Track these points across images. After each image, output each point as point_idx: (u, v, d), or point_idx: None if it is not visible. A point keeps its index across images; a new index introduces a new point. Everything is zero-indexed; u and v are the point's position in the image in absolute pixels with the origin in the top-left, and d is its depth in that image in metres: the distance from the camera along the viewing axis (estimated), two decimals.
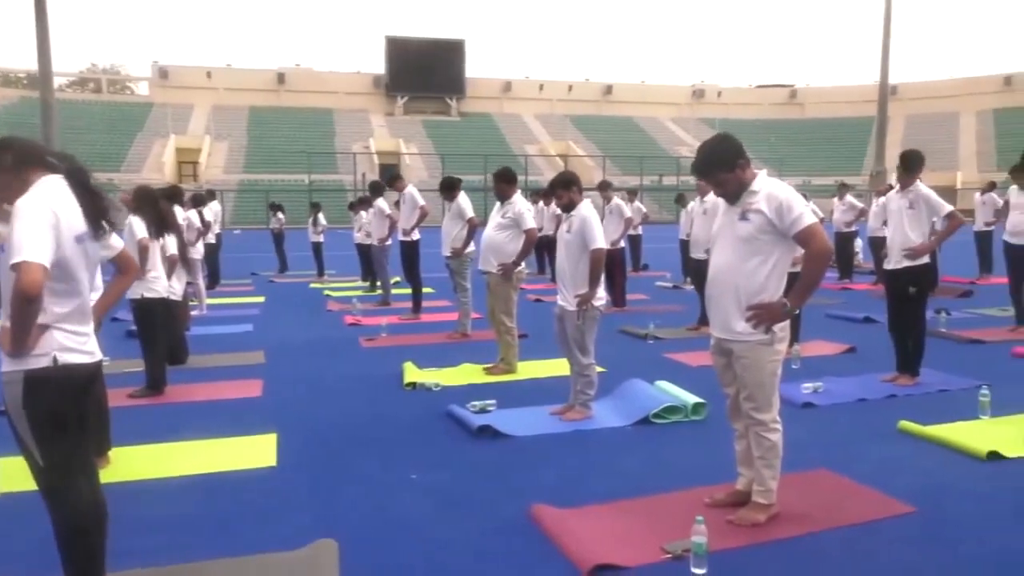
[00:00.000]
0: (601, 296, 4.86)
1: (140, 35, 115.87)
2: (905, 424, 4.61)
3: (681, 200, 13.60)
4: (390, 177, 9.65)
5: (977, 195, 13.23)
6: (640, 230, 13.94)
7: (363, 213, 12.40)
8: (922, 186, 5.65)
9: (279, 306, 10.79)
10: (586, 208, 4.89)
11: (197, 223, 9.84)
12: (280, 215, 15.69)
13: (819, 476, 3.85)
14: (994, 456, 3.92)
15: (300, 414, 5.20)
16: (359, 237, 12.60)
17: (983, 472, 3.86)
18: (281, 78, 54.04)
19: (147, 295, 5.55)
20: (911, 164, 5.73)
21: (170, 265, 6.25)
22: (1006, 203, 9.59)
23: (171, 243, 6.34)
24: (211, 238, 11.85)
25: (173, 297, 6.39)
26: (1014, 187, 8.50)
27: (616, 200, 10.19)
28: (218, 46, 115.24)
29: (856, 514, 3.38)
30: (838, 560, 3.00)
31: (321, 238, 14.36)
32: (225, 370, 6.56)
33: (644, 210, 14.42)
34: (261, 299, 11.51)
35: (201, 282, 10.12)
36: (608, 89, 59.49)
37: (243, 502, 3.69)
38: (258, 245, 21.18)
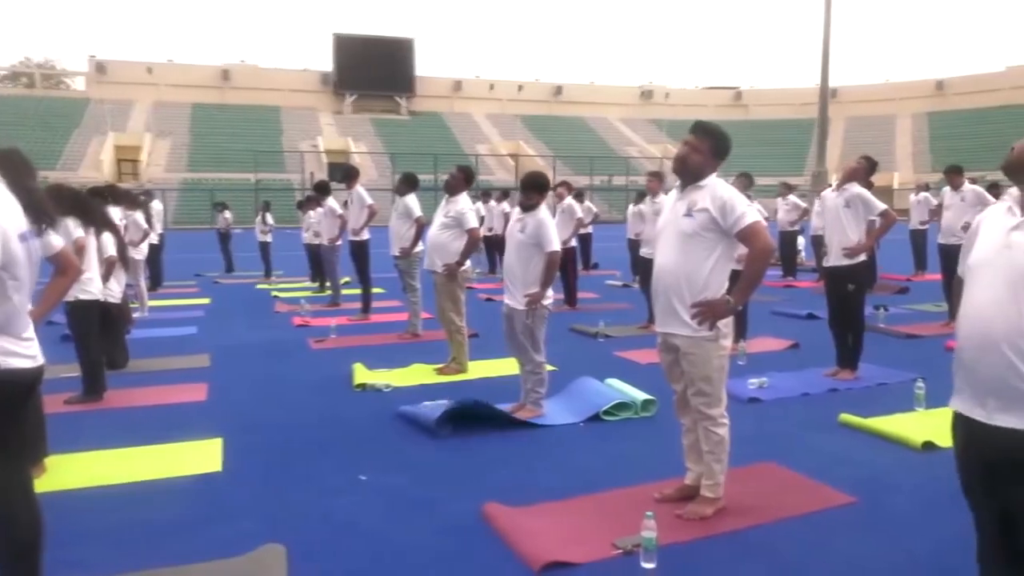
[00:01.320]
0: (549, 295, 4.88)
1: (76, 28, 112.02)
2: (846, 417, 4.76)
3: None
4: (347, 172, 9.47)
5: (912, 195, 13.72)
6: (590, 229, 14.06)
7: (311, 213, 12.20)
8: (856, 185, 5.82)
9: (225, 308, 10.54)
10: (543, 211, 4.90)
11: (143, 223, 9.56)
12: (226, 214, 15.34)
13: (765, 469, 3.94)
14: (929, 446, 4.08)
15: (247, 418, 5.09)
16: (307, 237, 12.40)
17: (919, 461, 4.01)
18: (225, 75, 52.83)
19: (82, 297, 5.36)
20: (873, 170, 5.98)
21: (107, 266, 6.05)
22: (939, 204, 9.98)
23: (108, 244, 6.14)
24: (153, 238, 11.52)
25: (110, 299, 6.19)
26: (947, 188, 8.85)
27: (568, 200, 10.29)
28: (159, 41, 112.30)
29: (800, 505, 3.47)
30: (784, 551, 3.07)
31: (269, 238, 14.08)
32: (168, 374, 6.38)
33: (595, 210, 14.57)
34: (206, 301, 11.23)
35: (142, 283, 9.83)
36: (558, 89, 59.82)
37: (187, 509, 3.59)
38: (203, 245, 20.65)
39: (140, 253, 9.61)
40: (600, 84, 61.53)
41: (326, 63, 54.84)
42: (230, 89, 52.42)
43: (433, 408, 4.77)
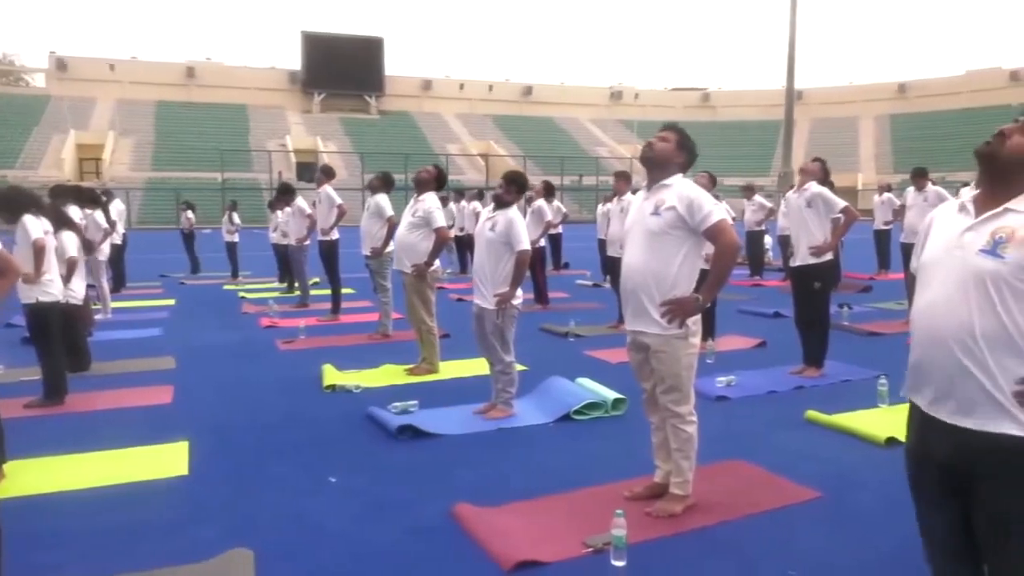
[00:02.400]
0: (519, 295, 4.88)
1: (36, 24, 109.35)
2: (812, 414, 4.83)
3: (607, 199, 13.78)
4: (325, 171, 9.37)
5: (876, 196, 14.00)
6: (560, 229, 14.11)
7: (279, 212, 12.07)
8: (816, 185, 5.92)
9: (190, 309, 10.38)
10: (513, 210, 4.90)
11: (103, 223, 9.36)
12: (190, 214, 15.09)
13: (732, 466, 3.99)
14: (892, 441, 4.18)
15: (213, 420, 5.02)
16: (275, 237, 12.25)
17: (883, 457, 4.10)
18: (190, 72, 51.99)
19: (42, 299, 5.23)
20: (826, 170, 6.06)
21: (69, 267, 5.92)
22: (903, 205, 10.20)
23: (70, 244, 6.01)
24: (116, 238, 11.30)
25: (72, 301, 6.06)
26: (910, 189, 9.05)
27: (539, 200, 10.32)
28: (122, 37, 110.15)
29: (768, 501, 3.52)
30: (752, 546, 3.11)
31: (236, 238, 13.89)
32: (132, 376, 6.26)
33: (564, 210, 14.61)
34: (171, 302, 11.04)
35: (105, 284, 9.63)
36: (528, 90, 59.90)
37: (152, 513, 3.53)
38: (168, 246, 20.32)
39: (102, 253, 9.41)
40: (570, 85, 61.74)
41: (294, 61, 54.29)
42: (196, 87, 51.61)
43: (394, 418, 4.74)
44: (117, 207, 11.95)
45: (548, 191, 10.41)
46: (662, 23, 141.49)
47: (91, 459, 4.25)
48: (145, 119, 47.08)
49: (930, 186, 9.14)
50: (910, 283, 2.23)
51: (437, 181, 6.42)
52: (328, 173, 9.24)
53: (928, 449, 1.99)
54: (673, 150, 3.33)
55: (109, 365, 6.61)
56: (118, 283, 11.94)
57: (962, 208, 1.95)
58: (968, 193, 2.02)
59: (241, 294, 11.68)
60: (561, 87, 61.26)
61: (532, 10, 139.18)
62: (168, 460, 4.20)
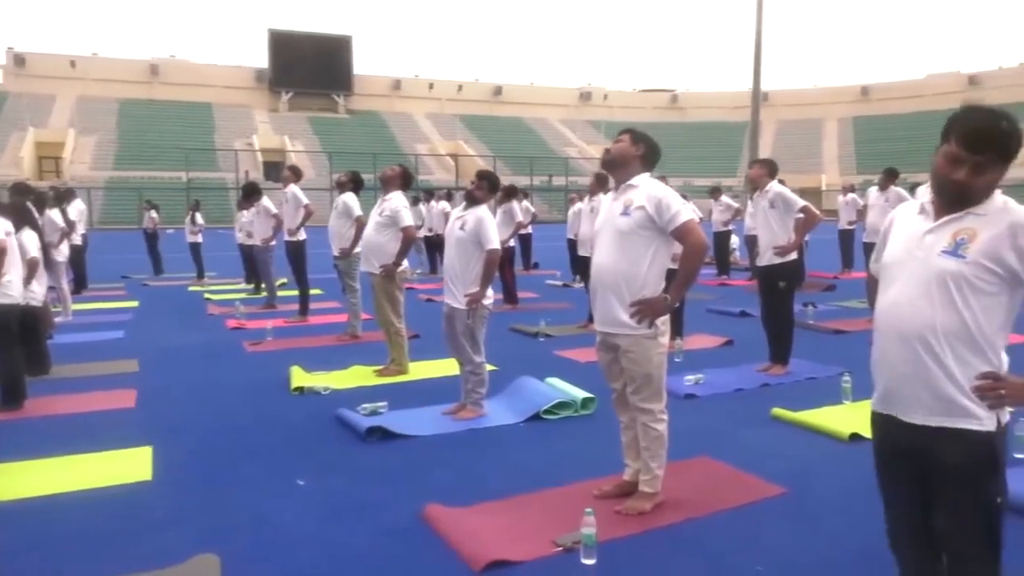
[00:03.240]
0: (489, 295, 4.88)
1: None
2: (777, 411, 4.91)
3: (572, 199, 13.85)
4: (294, 171, 9.26)
5: (840, 196, 14.25)
6: (530, 229, 14.14)
7: (244, 212, 11.91)
8: (777, 185, 6.01)
9: (154, 311, 10.19)
10: (483, 209, 4.90)
11: (60, 222, 9.16)
12: (154, 214, 14.83)
13: (700, 464, 4.03)
14: (856, 437, 4.26)
15: (178, 424, 4.94)
16: (241, 237, 12.09)
17: (847, 452, 4.17)
18: (154, 69, 51.10)
19: (2, 301, 5.10)
20: (772, 169, 6.12)
21: (29, 268, 5.78)
22: (866, 205, 10.42)
23: (31, 244, 5.87)
24: (77, 239, 11.07)
25: (33, 303, 5.92)
26: (872, 189, 9.23)
27: (510, 200, 10.31)
28: (83, 33, 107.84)
29: (735, 498, 3.57)
30: (719, 542, 3.15)
31: (199, 238, 13.67)
32: (94, 380, 6.13)
33: (532, 210, 14.64)
34: (134, 304, 10.84)
35: (65, 286, 9.43)
36: (498, 90, 59.92)
37: (114, 520, 3.46)
38: (130, 246, 19.94)
39: (61, 254, 9.21)
40: (540, 85, 61.91)
41: (261, 59, 53.68)
42: (159, 84, 50.76)
43: (363, 419, 4.71)
44: (77, 207, 11.70)
45: (509, 194, 10.38)
46: (631, 25, 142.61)
47: (51, 465, 4.16)
48: (107, 117, 46.15)
49: (892, 187, 9.34)
50: (870, 283, 2.28)
51: (402, 179, 6.37)
52: (295, 172, 9.14)
53: (892, 444, 2.04)
54: (628, 147, 3.37)
55: (70, 368, 6.47)
56: (79, 284, 11.70)
57: (922, 210, 2.00)
58: (926, 194, 2.07)
59: (207, 295, 11.51)
60: (531, 87, 61.39)
61: (502, 10, 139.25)
62: (131, 465, 4.12)
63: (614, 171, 3.41)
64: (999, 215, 1.86)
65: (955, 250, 1.87)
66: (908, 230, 2.01)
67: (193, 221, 13.61)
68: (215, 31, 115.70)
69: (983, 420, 1.89)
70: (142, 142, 43.44)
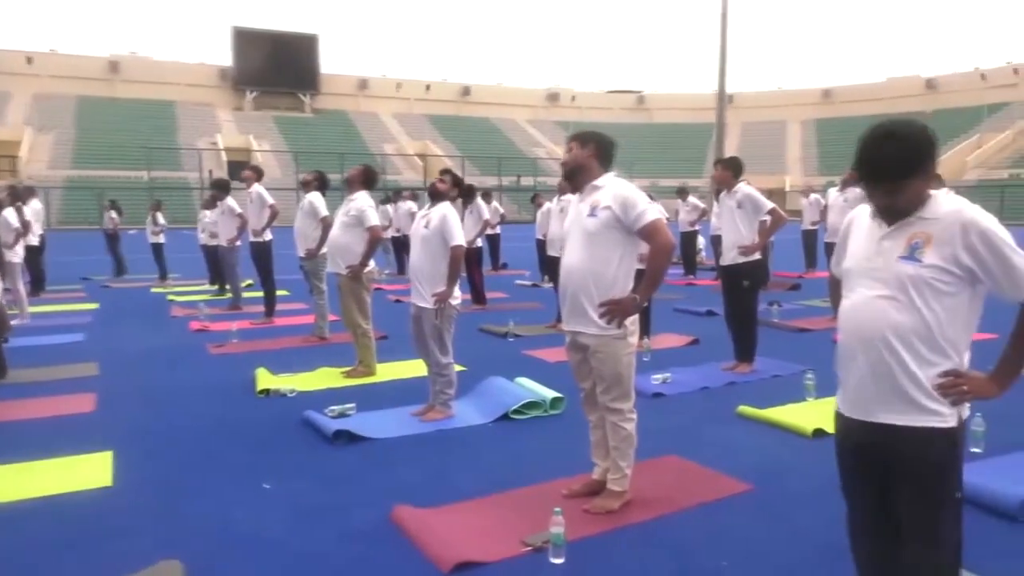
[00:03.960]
0: (457, 295, 4.87)
1: None
2: (743, 409, 4.97)
3: (537, 199, 13.86)
4: (252, 169, 9.12)
5: (803, 198, 14.49)
6: (498, 229, 14.14)
7: (206, 212, 11.72)
8: (745, 186, 6.10)
9: (115, 313, 9.98)
10: (446, 206, 4.89)
11: (14, 223, 8.92)
12: (114, 214, 14.51)
13: (668, 462, 4.06)
14: (819, 433, 4.33)
15: (140, 428, 4.84)
16: (203, 238, 11.89)
17: (810, 448, 4.24)
18: (114, 66, 50.05)
19: None
20: (722, 168, 6.18)
21: None
22: (827, 205, 10.60)
23: None
24: (33, 239, 10.80)
25: None
26: (832, 190, 9.39)
27: (476, 200, 10.31)
28: (40, 29, 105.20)
29: (702, 495, 3.60)
30: (687, 539, 3.18)
31: (161, 239, 13.43)
32: (52, 384, 5.98)
33: (501, 210, 14.64)
34: (94, 306, 10.60)
35: (22, 288, 9.19)
36: (466, 90, 59.83)
37: (74, 527, 3.37)
38: (90, 247, 19.51)
39: (16, 255, 8.97)
40: (508, 85, 61.96)
41: (225, 57, 52.88)
42: (120, 82, 49.74)
43: (330, 422, 4.67)
44: (34, 206, 11.42)
45: (466, 193, 10.35)
46: (599, 26, 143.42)
47: (7, 472, 4.04)
48: (65, 115, 45.08)
49: (850, 187, 9.50)
50: (832, 284, 2.33)
51: (364, 177, 6.27)
52: (256, 172, 9.02)
53: (855, 442, 2.08)
54: (579, 152, 3.38)
55: (27, 372, 6.31)
56: (37, 286, 11.42)
57: (875, 215, 2.04)
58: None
59: (170, 297, 11.31)
60: (498, 88, 61.40)
61: (469, 10, 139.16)
62: (91, 471, 4.03)
63: (575, 180, 3.42)
64: (949, 216, 1.91)
65: (911, 255, 1.92)
66: (865, 235, 2.06)
67: (155, 221, 13.36)
68: (177, 28, 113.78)
69: (946, 417, 1.94)
70: (102, 140, 42.51)
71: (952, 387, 1.92)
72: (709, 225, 12.83)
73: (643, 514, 3.38)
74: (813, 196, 13.97)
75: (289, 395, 5.51)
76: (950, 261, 1.89)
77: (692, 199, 13.77)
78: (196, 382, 6.07)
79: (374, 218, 6.16)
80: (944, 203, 1.94)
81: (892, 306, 1.93)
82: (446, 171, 5.10)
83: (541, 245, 11.01)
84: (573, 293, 3.34)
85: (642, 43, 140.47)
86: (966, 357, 1.97)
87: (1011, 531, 3.18)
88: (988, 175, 42.86)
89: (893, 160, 1.88)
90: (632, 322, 3.33)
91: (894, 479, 2.01)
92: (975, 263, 1.88)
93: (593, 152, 3.37)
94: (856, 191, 9.47)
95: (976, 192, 30.21)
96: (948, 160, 42.23)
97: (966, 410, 2.00)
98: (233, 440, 4.59)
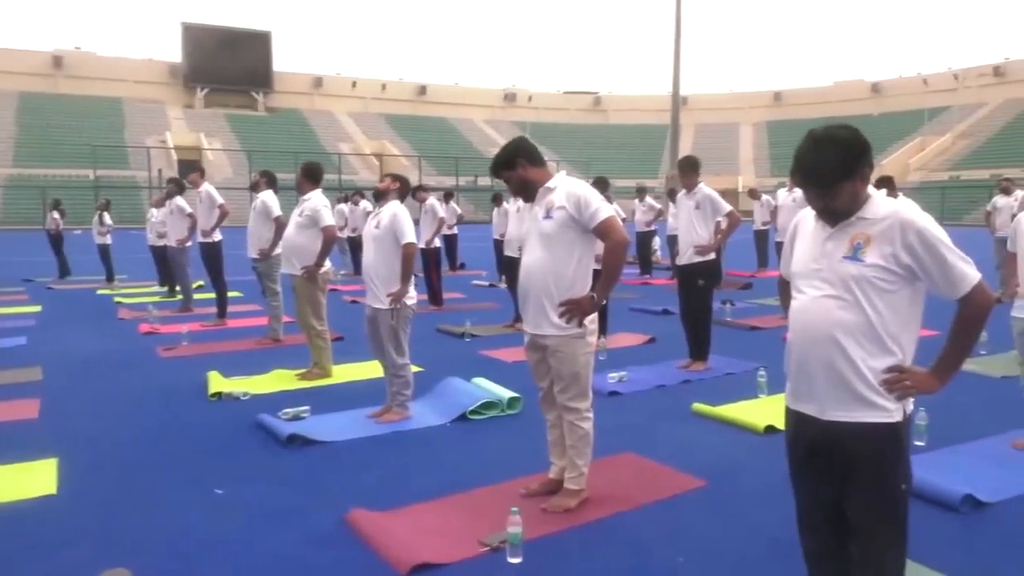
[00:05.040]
0: (412, 295, 4.84)
1: None
2: (698, 406, 5.05)
3: (497, 200, 13.88)
4: (197, 169, 8.94)
5: (753, 199, 14.77)
6: (456, 230, 14.11)
7: (154, 211, 11.44)
8: (706, 188, 6.20)
9: (60, 316, 9.67)
10: (395, 204, 4.86)
11: None
12: (56, 214, 14.06)
13: (624, 459, 4.11)
14: (771, 430, 4.42)
15: (86, 435, 4.70)
16: (152, 238, 11.59)
17: (762, 444, 4.33)
18: (57, 61, 48.48)
19: None
20: (688, 169, 6.27)
21: None
22: (777, 206, 10.83)
23: None
24: None
25: None
26: (782, 190, 9.59)
27: (430, 200, 10.26)
28: None
29: (657, 492, 3.65)
30: (644, 535, 3.21)
31: (108, 239, 13.05)
32: None
33: (459, 211, 14.60)
34: (37, 308, 10.26)
35: None
36: (422, 89, 59.52)
37: (17, 537, 3.25)
38: (33, 248, 18.87)
39: None
40: (465, 85, 61.80)
41: (174, 53, 51.64)
42: (64, 78, 48.21)
43: (284, 425, 4.60)
44: None
45: (407, 190, 10.29)
46: (555, 27, 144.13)
47: None
48: (5, 111, 43.49)
49: (798, 188, 9.72)
50: (781, 285, 2.40)
51: (307, 174, 6.14)
52: (201, 173, 8.86)
53: (804, 437, 2.13)
54: (513, 172, 3.38)
55: None
56: None
57: (818, 217, 2.10)
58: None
59: (117, 299, 11.01)
60: (455, 87, 61.21)
61: (425, 9, 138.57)
62: (35, 479, 3.89)
63: (525, 193, 3.43)
64: (888, 217, 1.98)
65: (854, 255, 1.99)
66: (811, 237, 2.12)
67: (101, 221, 12.98)
68: (124, 23, 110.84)
69: (891, 412, 2.00)
70: (45, 138, 41.14)
71: (897, 382, 1.98)
72: (665, 225, 13.02)
73: (600, 512, 3.41)
74: (765, 197, 14.26)
75: (242, 398, 5.41)
76: (890, 260, 1.96)
77: (649, 199, 13.94)
78: (145, 386, 5.91)
79: (329, 218, 6.09)
80: (883, 204, 2.01)
81: (838, 305, 1.99)
82: (388, 174, 5.09)
83: (498, 245, 11.02)
84: (534, 294, 3.35)
85: (598, 45, 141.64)
86: (910, 353, 2.03)
87: (954, 522, 3.29)
88: (929, 177, 44.29)
89: (824, 165, 1.96)
90: (591, 321, 3.36)
91: (842, 473, 2.06)
92: (914, 262, 1.95)
93: (525, 164, 3.38)
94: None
95: (918, 194, 31.13)
96: (892, 162, 43.52)
97: (910, 405, 2.07)
98: (184, 445, 4.49)
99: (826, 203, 2.00)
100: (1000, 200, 10.54)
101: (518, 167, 3.37)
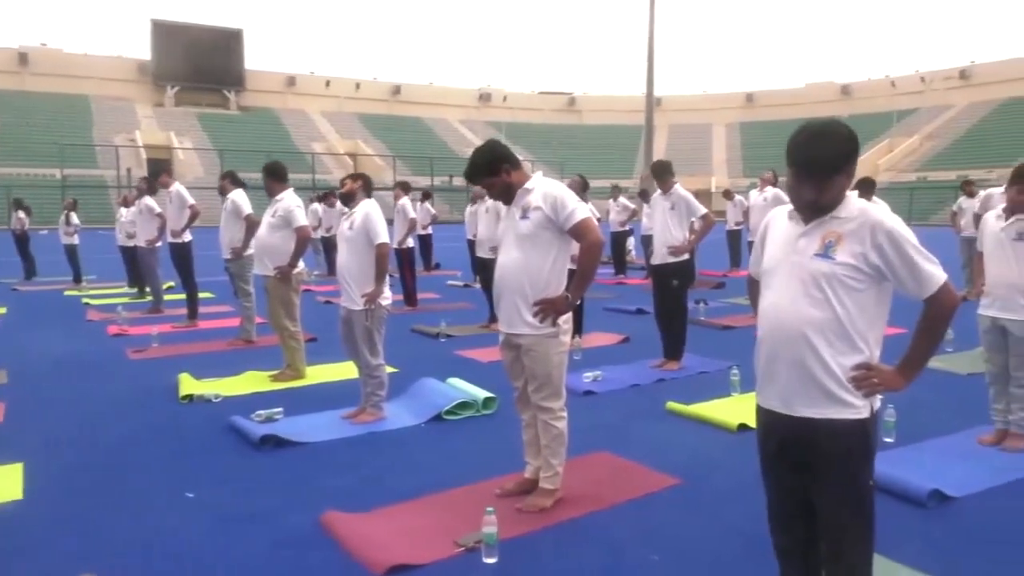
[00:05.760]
0: (387, 295, 4.82)
1: None
2: (672, 405, 5.08)
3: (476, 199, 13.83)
4: (166, 170, 8.83)
5: (726, 200, 14.93)
6: (431, 230, 14.07)
7: (123, 211, 11.25)
8: (681, 189, 6.25)
9: (26, 317, 9.47)
10: (368, 204, 4.84)
11: None
12: (21, 214, 13.78)
13: (599, 459, 4.12)
14: (743, 428, 4.47)
15: (54, 439, 4.60)
16: (121, 239, 11.40)
17: (735, 442, 4.37)
18: (23, 59, 47.56)
19: None
20: (660, 172, 6.32)
21: None
22: (749, 207, 10.95)
23: None
24: None
25: None
26: (754, 191, 9.71)
27: (402, 201, 10.19)
28: None
29: (632, 490, 3.67)
30: (619, 534, 3.23)
31: (75, 240, 12.82)
32: None
33: (433, 211, 14.56)
34: (1, 311, 10.02)
35: None
36: (397, 89, 59.27)
37: None
38: None
39: None
40: (439, 85, 61.65)
41: (143, 51, 50.88)
42: (29, 75, 47.28)
43: (257, 427, 4.56)
44: None
45: (367, 187, 10.26)
46: (530, 27, 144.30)
47: None
48: None
49: (769, 188, 9.85)
50: (751, 284, 2.42)
51: (272, 174, 6.05)
52: (170, 174, 8.74)
53: (775, 434, 2.16)
54: (496, 178, 3.36)
55: None
56: None
57: (792, 215, 2.13)
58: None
59: (85, 300, 10.81)
60: (430, 87, 61.05)
61: (400, 8, 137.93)
62: (0, 484, 3.81)
63: (506, 197, 3.42)
64: (860, 218, 2.02)
65: (826, 252, 2.02)
66: (783, 235, 2.14)
67: (68, 221, 12.75)
68: (91, 19, 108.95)
69: (859, 409, 2.03)
70: (10, 136, 40.28)
71: (864, 379, 2.01)
72: (640, 225, 13.09)
73: (575, 511, 3.42)
74: (737, 198, 14.41)
75: (214, 400, 5.35)
76: (860, 259, 1.99)
77: (623, 199, 14.01)
78: (114, 389, 5.81)
79: (302, 218, 6.04)
80: (855, 204, 2.04)
81: (808, 302, 2.01)
82: (348, 176, 5.08)
83: (472, 246, 11.01)
84: (508, 294, 3.35)
85: (573, 46, 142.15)
86: (877, 351, 2.07)
87: (922, 517, 3.35)
88: (898, 178, 45.09)
89: (826, 155, 1.98)
90: (565, 321, 3.37)
91: (812, 469, 2.09)
92: (882, 262, 1.98)
93: (509, 169, 3.37)
94: (775, 192, 9.84)
95: (887, 194, 31.62)
96: (862, 163, 44.18)
97: (877, 401, 2.10)
98: (154, 449, 4.42)
99: (817, 195, 2.01)
100: (964, 202, 10.77)
101: (502, 173, 3.35)
